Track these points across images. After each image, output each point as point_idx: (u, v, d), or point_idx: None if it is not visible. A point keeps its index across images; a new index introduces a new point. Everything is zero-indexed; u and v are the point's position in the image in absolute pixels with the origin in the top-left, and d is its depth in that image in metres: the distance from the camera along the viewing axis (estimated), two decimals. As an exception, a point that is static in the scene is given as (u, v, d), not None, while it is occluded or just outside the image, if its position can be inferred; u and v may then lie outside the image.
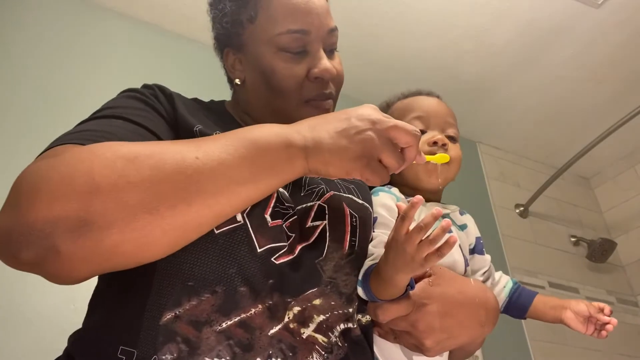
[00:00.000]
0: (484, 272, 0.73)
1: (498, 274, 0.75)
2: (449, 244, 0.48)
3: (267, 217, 0.55)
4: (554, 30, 1.79)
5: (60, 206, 0.43)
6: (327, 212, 0.60)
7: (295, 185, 0.62)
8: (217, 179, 0.48)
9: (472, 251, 0.74)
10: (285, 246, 0.55)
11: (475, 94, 2.09)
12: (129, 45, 1.68)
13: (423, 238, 0.49)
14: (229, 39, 0.73)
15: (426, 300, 0.58)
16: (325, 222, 0.60)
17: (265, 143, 0.51)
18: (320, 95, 0.68)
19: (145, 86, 0.66)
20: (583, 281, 2.12)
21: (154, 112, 0.61)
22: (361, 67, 1.91)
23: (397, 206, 0.53)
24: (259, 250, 0.53)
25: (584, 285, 2.09)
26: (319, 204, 0.61)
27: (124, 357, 0.47)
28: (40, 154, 0.51)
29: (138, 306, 0.50)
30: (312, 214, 0.60)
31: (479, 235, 0.76)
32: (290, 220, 0.58)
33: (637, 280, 2.20)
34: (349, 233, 0.61)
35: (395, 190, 0.72)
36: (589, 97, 2.07)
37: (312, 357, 0.50)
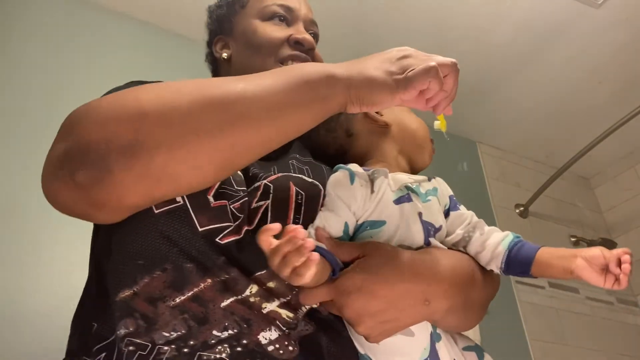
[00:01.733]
0: (465, 227, 0.66)
1: (491, 228, 0.67)
2: (306, 266, 0.45)
3: (210, 197, 0.55)
4: (554, 30, 1.79)
5: (111, 128, 0.47)
6: (271, 191, 0.60)
7: (244, 172, 0.63)
8: (260, 102, 0.50)
9: (447, 211, 0.69)
10: (230, 226, 0.55)
11: (475, 94, 2.09)
12: (128, 45, 1.68)
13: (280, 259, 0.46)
14: (221, 26, 0.82)
15: (351, 286, 0.54)
16: (269, 202, 0.59)
17: (307, 73, 0.53)
18: (295, 56, 0.74)
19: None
20: (583, 281, 2.11)
21: None
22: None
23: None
24: (200, 230, 0.53)
25: (584, 285, 2.09)
26: (265, 183, 0.60)
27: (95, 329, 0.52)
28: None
29: (102, 285, 0.53)
30: (258, 194, 0.59)
31: (451, 193, 0.71)
32: (241, 201, 0.58)
33: (637, 280, 2.20)
34: (292, 210, 0.59)
35: (353, 166, 0.68)
36: (589, 97, 2.07)
37: (270, 330, 0.50)
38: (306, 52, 0.75)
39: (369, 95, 0.53)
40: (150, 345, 0.47)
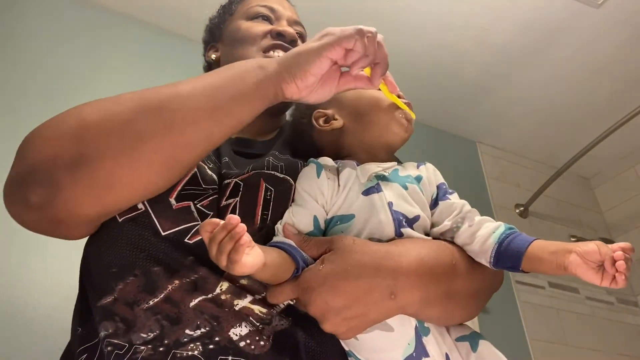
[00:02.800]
0: (454, 217, 0.62)
1: (482, 218, 0.62)
2: (236, 250, 0.44)
3: (172, 200, 0.56)
4: (554, 30, 1.79)
5: (55, 145, 0.49)
6: (241, 189, 0.60)
7: (217, 171, 0.63)
8: (194, 100, 0.52)
9: (436, 201, 0.65)
10: (195, 225, 0.55)
11: (475, 94, 2.09)
12: (129, 45, 1.68)
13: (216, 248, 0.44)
14: (213, 35, 0.88)
15: (313, 283, 0.52)
16: (237, 199, 0.59)
17: (240, 66, 0.56)
18: (278, 45, 0.77)
19: None
20: (583, 281, 2.11)
21: None
22: (361, 67, 1.91)
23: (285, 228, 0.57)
24: (163, 233, 0.54)
25: (584, 285, 2.09)
26: (235, 182, 0.60)
27: (79, 336, 0.54)
28: None
29: (84, 292, 0.55)
30: (228, 192, 0.60)
31: (441, 181, 0.68)
32: (210, 199, 0.58)
33: (637, 280, 2.20)
34: (260, 206, 0.59)
35: (324, 159, 0.66)
36: (589, 97, 2.07)
37: (240, 326, 0.50)
38: (289, 43, 0.78)
39: (297, 66, 0.54)
40: (127, 345, 0.48)
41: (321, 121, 0.73)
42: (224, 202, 0.59)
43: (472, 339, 0.59)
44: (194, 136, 0.52)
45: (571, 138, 2.26)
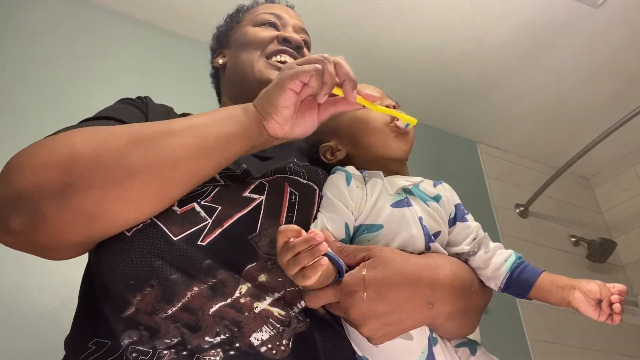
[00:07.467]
0: (472, 241, 0.66)
1: (495, 245, 0.67)
2: (313, 267, 0.47)
3: (174, 207, 0.57)
4: (554, 30, 1.79)
5: (44, 173, 0.49)
6: (266, 189, 0.61)
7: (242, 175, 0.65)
8: (182, 137, 0.54)
9: (454, 220, 0.69)
10: (206, 225, 0.56)
11: (475, 94, 2.09)
12: (129, 45, 1.68)
13: (290, 257, 0.47)
14: (220, 42, 0.91)
15: (357, 287, 0.54)
16: (263, 197, 0.60)
17: (225, 109, 0.60)
18: (283, 51, 0.80)
19: (137, 97, 0.75)
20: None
21: (139, 112, 0.69)
22: (360, 67, 1.92)
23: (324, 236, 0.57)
24: (175, 239, 0.54)
25: (584, 285, 2.09)
26: (260, 181, 0.62)
27: (94, 347, 0.53)
28: None
29: (101, 307, 0.54)
30: (251, 187, 0.61)
31: (458, 202, 0.71)
32: (212, 194, 0.59)
33: (637, 280, 2.20)
34: (285, 208, 0.60)
35: (350, 168, 0.68)
36: (589, 97, 2.07)
37: (261, 331, 0.50)
38: (294, 49, 0.80)
39: (267, 102, 0.58)
40: (151, 351, 0.49)
41: (328, 155, 0.76)
42: (247, 194, 0.60)
43: (471, 345, 0.63)
44: (182, 172, 0.54)
45: (571, 138, 2.26)
